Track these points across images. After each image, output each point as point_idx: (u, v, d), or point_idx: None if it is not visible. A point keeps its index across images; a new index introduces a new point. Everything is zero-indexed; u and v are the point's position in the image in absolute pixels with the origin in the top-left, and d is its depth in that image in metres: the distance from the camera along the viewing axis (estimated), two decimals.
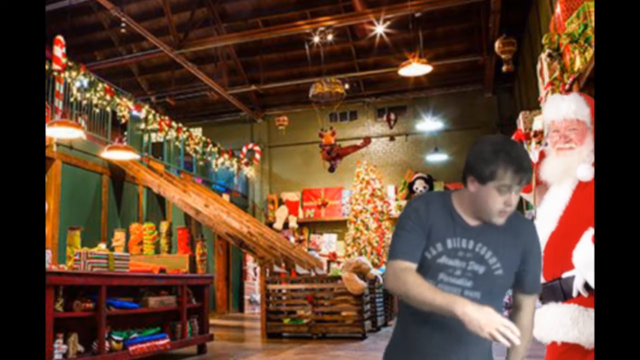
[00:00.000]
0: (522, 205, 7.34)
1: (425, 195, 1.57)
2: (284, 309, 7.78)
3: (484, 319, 1.26)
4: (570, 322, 1.86)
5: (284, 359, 5.70)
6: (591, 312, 1.84)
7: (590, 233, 1.85)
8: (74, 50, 9.38)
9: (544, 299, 2.00)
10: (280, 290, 7.87)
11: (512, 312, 1.60)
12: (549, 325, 1.93)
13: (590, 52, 3.47)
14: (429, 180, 12.13)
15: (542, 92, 4.68)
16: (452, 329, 1.46)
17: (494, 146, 1.42)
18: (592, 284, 1.82)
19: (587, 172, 1.93)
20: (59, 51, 7.73)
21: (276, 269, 8.05)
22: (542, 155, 2.18)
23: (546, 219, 2.02)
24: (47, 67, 7.50)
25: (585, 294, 1.86)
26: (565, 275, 1.92)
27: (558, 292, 1.93)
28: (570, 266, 1.89)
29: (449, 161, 12.52)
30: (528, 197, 2.29)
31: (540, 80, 4.86)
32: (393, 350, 1.61)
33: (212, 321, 7.43)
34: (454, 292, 1.43)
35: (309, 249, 12.49)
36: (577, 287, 1.87)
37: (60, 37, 7.74)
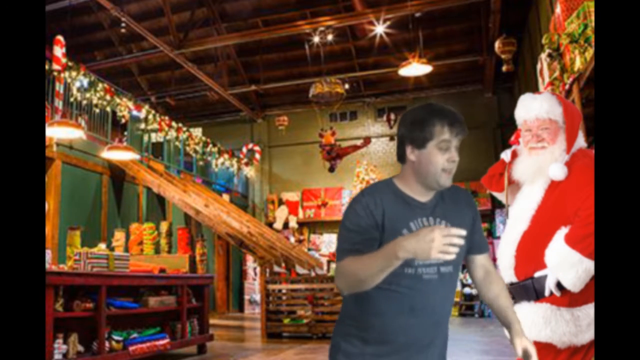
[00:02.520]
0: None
1: (370, 188, 1.53)
2: (284, 309, 7.78)
3: (425, 245, 1.22)
4: (543, 321, 1.87)
5: (284, 359, 5.70)
6: (563, 311, 1.85)
7: (562, 232, 1.85)
8: (74, 50, 9.37)
9: (516, 298, 2.00)
10: (280, 290, 7.87)
11: (484, 276, 1.61)
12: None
13: (590, 52, 3.47)
14: None
15: None
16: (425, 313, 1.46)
17: (424, 110, 1.49)
18: (564, 283, 1.83)
19: (559, 172, 1.93)
20: (59, 51, 7.73)
21: (276, 269, 8.05)
22: (514, 154, 2.18)
23: (519, 218, 2.03)
24: (47, 67, 7.50)
25: (557, 293, 1.86)
26: (537, 274, 1.92)
27: (530, 291, 1.94)
28: (543, 265, 1.90)
29: None
30: (500, 196, 2.29)
31: (540, 80, 4.86)
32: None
33: (212, 321, 7.43)
34: (432, 270, 1.44)
35: (309, 249, 12.49)
36: (550, 286, 1.88)
37: (60, 37, 7.74)
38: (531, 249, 1.94)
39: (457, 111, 1.50)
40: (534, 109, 2.02)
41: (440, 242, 1.22)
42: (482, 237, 1.63)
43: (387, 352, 1.45)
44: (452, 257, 1.24)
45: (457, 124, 1.46)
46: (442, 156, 1.45)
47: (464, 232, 1.26)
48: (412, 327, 1.45)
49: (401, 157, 1.53)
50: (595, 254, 1.57)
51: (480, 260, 1.62)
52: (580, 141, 2.06)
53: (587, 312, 1.84)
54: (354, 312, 1.50)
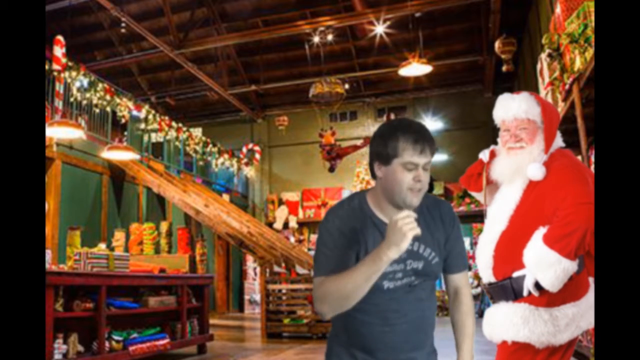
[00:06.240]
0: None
1: (342, 206, 1.50)
2: (284, 309, 7.78)
3: (399, 233, 1.26)
4: (521, 322, 1.87)
5: (284, 359, 5.70)
6: (542, 311, 1.85)
7: (540, 232, 1.85)
8: (74, 50, 9.38)
9: (494, 298, 2.00)
10: (280, 290, 7.87)
11: (454, 297, 1.61)
12: (499, 325, 1.94)
13: (590, 52, 3.47)
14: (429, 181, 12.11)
15: (542, 92, 4.68)
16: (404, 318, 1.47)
17: (391, 125, 1.43)
18: (542, 283, 1.83)
19: (537, 172, 1.93)
20: (59, 51, 7.73)
21: (276, 269, 8.05)
22: (492, 154, 2.18)
23: (497, 218, 2.02)
24: (47, 67, 7.50)
25: (536, 293, 1.86)
26: (516, 274, 1.92)
27: (509, 291, 1.94)
28: (521, 265, 1.90)
29: (449, 161, 12.52)
30: (479, 196, 2.29)
31: (540, 80, 4.87)
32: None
33: (212, 321, 7.43)
34: (403, 290, 1.46)
35: (309, 249, 12.48)
36: (528, 286, 1.88)
37: (60, 37, 7.74)
38: (509, 249, 1.94)
39: (425, 128, 1.43)
40: (512, 109, 2.02)
41: (404, 224, 1.26)
42: (457, 258, 1.57)
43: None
44: (418, 231, 1.28)
45: (421, 141, 1.38)
46: (407, 174, 1.39)
47: (413, 214, 1.29)
48: (388, 334, 1.47)
49: (373, 173, 1.49)
50: (596, 253, 1.57)
51: (453, 280, 1.61)
52: (559, 141, 2.06)
53: (565, 312, 1.84)
54: (339, 326, 1.55)
